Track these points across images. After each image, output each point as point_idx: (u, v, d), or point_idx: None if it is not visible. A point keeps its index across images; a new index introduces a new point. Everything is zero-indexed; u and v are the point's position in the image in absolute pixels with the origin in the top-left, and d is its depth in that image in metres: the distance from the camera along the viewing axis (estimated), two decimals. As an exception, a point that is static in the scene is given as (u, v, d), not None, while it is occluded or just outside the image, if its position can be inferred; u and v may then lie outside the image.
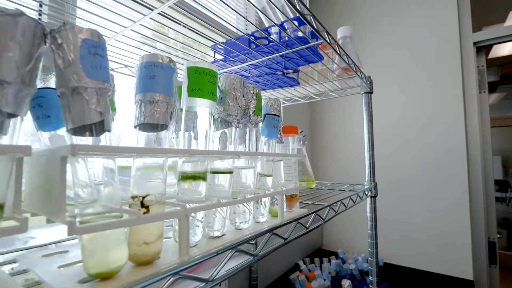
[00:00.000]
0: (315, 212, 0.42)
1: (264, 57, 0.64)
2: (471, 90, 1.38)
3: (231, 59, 0.68)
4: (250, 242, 0.32)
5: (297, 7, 0.41)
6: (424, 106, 1.43)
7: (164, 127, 0.23)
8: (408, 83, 1.48)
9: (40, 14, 0.54)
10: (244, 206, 0.32)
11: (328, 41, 0.53)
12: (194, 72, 0.24)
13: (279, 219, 0.36)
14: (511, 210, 2.75)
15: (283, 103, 1.06)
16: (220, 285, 0.96)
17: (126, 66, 0.65)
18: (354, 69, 0.70)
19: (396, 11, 1.54)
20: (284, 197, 0.38)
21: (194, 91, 0.23)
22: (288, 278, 1.25)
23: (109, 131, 0.19)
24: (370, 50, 1.59)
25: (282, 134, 0.39)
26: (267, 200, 0.36)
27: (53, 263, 0.25)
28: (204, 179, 0.26)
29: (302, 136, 0.77)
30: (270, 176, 0.36)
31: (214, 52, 0.71)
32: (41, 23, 0.18)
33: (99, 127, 0.18)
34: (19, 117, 0.18)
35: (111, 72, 0.22)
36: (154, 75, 0.22)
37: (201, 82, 0.24)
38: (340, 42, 0.81)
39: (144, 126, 0.23)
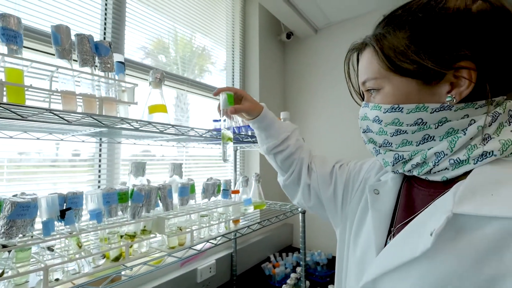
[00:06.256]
0: (243, 227, 1.01)
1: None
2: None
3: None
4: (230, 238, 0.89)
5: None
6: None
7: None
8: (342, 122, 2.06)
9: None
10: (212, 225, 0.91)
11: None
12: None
13: (229, 230, 0.94)
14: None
15: (252, 148, 1.64)
16: (210, 269, 1.53)
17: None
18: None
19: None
20: (231, 221, 0.96)
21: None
22: (261, 267, 1.82)
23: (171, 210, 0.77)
24: (323, 99, 2.18)
25: (231, 195, 0.98)
26: (224, 224, 0.94)
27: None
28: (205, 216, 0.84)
29: (258, 177, 1.35)
30: (225, 213, 0.94)
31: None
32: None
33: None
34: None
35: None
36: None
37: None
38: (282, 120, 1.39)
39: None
